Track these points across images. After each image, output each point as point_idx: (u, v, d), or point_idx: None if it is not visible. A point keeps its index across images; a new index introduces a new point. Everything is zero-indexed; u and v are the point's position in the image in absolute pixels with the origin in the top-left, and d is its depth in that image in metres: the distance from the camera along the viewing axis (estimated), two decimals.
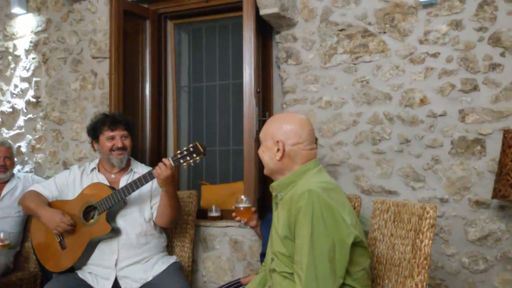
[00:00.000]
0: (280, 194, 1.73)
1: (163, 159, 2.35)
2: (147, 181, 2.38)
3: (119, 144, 2.53)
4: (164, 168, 2.32)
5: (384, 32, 2.71)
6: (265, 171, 1.80)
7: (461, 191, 2.51)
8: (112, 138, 2.53)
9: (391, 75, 2.68)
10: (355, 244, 1.55)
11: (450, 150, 2.54)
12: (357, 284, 1.59)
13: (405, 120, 2.63)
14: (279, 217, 1.70)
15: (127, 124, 2.60)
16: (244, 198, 2.33)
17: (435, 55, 2.59)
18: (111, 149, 2.53)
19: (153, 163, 2.86)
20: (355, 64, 2.77)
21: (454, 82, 2.54)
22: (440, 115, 2.56)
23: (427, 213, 1.62)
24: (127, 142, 2.58)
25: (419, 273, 1.59)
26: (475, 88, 2.50)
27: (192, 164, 2.35)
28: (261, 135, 1.79)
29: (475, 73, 2.50)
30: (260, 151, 1.79)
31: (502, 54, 2.46)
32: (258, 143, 2.70)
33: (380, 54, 2.71)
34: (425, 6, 2.61)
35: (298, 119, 1.76)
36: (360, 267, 1.61)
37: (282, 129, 1.71)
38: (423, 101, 2.60)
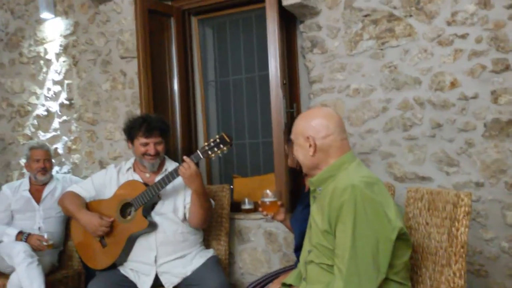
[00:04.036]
0: (319, 189, 1.75)
1: (184, 157, 2.40)
2: (173, 178, 2.44)
3: (152, 152, 2.57)
4: (187, 166, 2.36)
5: (410, 15, 2.65)
6: (303, 170, 1.82)
7: (497, 174, 2.46)
8: (146, 144, 2.57)
9: (419, 59, 2.63)
10: (398, 238, 1.55)
11: (483, 132, 2.49)
12: (397, 277, 1.60)
13: (436, 104, 2.59)
14: (317, 210, 1.72)
15: (162, 130, 2.62)
16: (270, 193, 2.34)
17: (463, 36, 2.53)
18: (144, 154, 2.58)
19: None
20: (381, 49, 2.73)
21: (485, 63, 2.48)
22: (472, 98, 2.51)
23: (462, 200, 1.60)
24: (160, 148, 2.61)
25: (456, 261, 1.58)
26: (507, 68, 2.43)
27: (220, 155, 2.39)
28: (292, 135, 1.81)
29: (506, 53, 2.44)
30: (294, 151, 1.81)
31: None
32: (287, 135, 2.71)
33: (407, 38, 2.66)
34: None
35: (324, 112, 1.78)
36: (401, 260, 1.61)
37: (310, 124, 1.73)
38: (453, 84, 2.55)
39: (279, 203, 2.37)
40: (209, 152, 2.38)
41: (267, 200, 2.33)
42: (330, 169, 1.71)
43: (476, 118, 2.51)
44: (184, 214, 2.57)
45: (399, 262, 1.60)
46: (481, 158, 2.49)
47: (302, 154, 1.76)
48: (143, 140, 2.57)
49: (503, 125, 2.44)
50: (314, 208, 1.76)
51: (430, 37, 2.61)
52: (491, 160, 2.47)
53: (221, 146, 2.37)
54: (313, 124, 1.72)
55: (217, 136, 2.38)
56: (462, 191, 2.42)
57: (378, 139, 2.74)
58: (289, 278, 1.93)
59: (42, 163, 3.20)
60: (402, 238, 1.58)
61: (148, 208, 2.54)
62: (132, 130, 2.61)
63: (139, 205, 2.49)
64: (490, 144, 2.47)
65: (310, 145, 1.71)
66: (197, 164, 2.42)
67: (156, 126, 2.60)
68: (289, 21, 3.07)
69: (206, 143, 2.41)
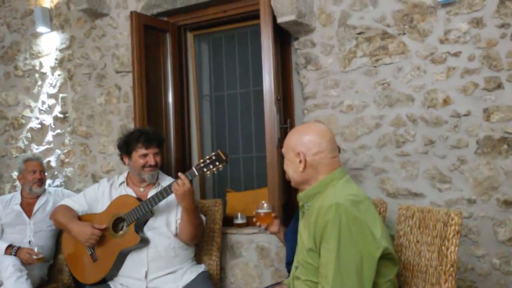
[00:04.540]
0: (306, 204, 1.74)
1: (180, 174, 2.39)
2: (167, 194, 2.44)
3: (152, 162, 2.58)
4: (181, 183, 2.36)
5: (404, 33, 2.68)
6: (292, 183, 1.82)
7: (489, 191, 2.47)
8: (145, 155, 2.58)
9: (412, 77, 2.65)
10: (383, 257, 1.54)
11: (476, 150, 2.50)
12: None
13: (429, 121, 2.60)
14: (304, 227, 1.71)
15: (159, 141, 2.66)
16: (265, 204, 2.35)
17: (456, 54, 2.55)
18: (144, 166, 2.58)
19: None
20: (375, 67, 2.75)
21: (477, 81, 2.50)
22: (464, 115, 2.52)
23: (452, 219, 1.60)
24: (159, 159, 2.62)
25: (446, 280, 1.57)
26: (499, 86, 2.46)
27: (215, 172, 2.39)
28: (283, 149, 1.81)
29: (498, 71, 2.46)
30: (284, 165, 1.81)
31: None
32: (280, 150, 2.72)
33: (400, 56, 2.69)
34: (444, 5, 2.57)
35: (317, 129, 1.77)
36: (386, 278, 1.60)
37: (302, 140, 1.73)
38: (446, 101, 2.57)
39: (273, 214, 2.37)
40: (204, 169, 2.38)
41: (261, 211, 2.33)
42: (318, 185, 1.71)
43: (468, 135, 2.52)
44: (176, 228, 2.56)
45: (383, 281, 1.59)
46: (473, 175, 2.50)
47: (292, 169, 1.76)
48: (143, 151, 2.57)
49: (495, 143, 2.46)
50: (301, 225, 1.76)
51: (423, 55, 2.63)
52: (483, 177, 2.48)
53: (217, 163, 2.37)
54: (305, 140, 1.72)
55: (212, 154, 2.38)
56: (454, 208, 2.43)
57: (371, 155, 2.74)
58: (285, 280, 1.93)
59: (39, 174, 3.20)
60: (387, 257, 1.57)
61: (141, 223, 2.53)
62: (130, 143, 2.61)
63: (131, 221, 2.48)
64: (483, 161, 2.48)
65: (300, 161, 1.71)
66: (191, 181, 2.41)
67: (154, 137, 2.63)
68: (284, 38, 3.09)
69: (201, 160, 2.41)
